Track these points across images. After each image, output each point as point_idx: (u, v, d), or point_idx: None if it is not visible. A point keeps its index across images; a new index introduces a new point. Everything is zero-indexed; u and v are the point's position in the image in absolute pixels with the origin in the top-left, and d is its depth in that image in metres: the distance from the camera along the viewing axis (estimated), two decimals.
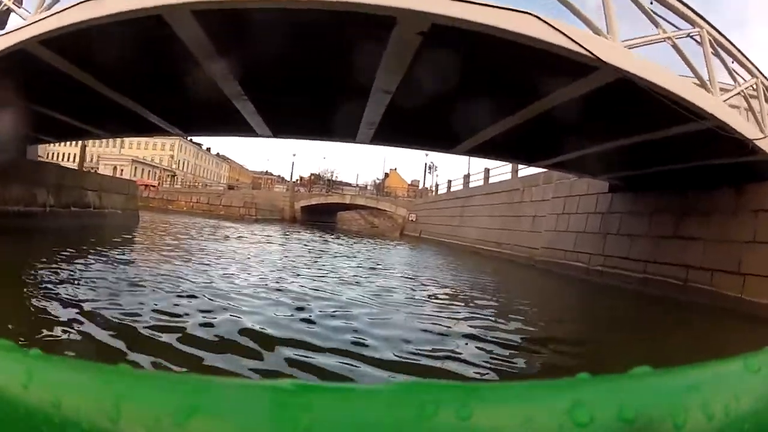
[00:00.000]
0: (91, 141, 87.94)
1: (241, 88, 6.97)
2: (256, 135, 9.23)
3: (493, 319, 5.79)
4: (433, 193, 33.69)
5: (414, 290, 7.79)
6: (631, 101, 5.89)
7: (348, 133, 8.57)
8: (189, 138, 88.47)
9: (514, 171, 18.65)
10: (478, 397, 0.31)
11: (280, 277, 7.65)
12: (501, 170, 20.31)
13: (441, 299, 7.11)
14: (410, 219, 33.86)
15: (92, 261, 7.27)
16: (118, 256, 8.21)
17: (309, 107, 8.03)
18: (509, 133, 8.16)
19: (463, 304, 6.98)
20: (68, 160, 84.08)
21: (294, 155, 65.89)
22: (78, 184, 14.76)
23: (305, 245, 16.30)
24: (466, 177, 25.03)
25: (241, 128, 9.13)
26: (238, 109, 8.03)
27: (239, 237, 16.82)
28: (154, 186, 50.28)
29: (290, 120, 8.66)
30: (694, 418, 0.33)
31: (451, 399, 0.31)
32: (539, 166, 10.71)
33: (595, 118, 7.10)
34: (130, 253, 9.36)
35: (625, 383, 0.34)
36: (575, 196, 13.84)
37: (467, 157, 33.41)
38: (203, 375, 0.35)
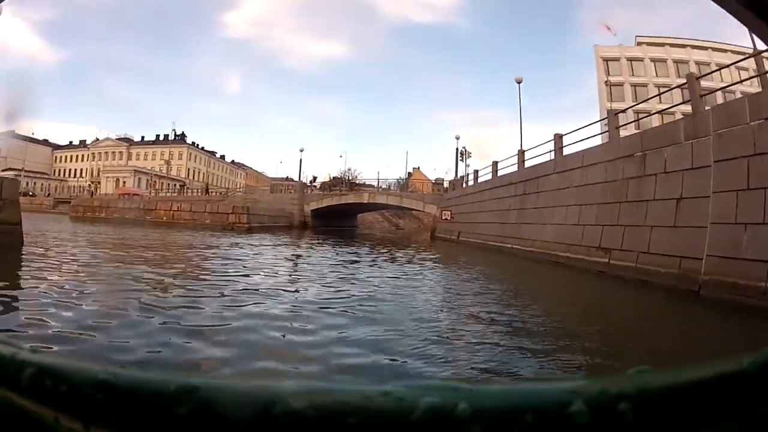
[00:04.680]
0: (95, 156, 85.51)
1: None
2: None
3: None
4: (471, 183, 26.36)
5: None
6: None
7: None
8: (201, 147, 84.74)
9: (614, 128, 11.51)
10: (477, 398, 0.30)
11: None
12: (581, 134, 13.15)
13: None
14: (443, 218, 26.94)
15: None
16: None
17: None
18: None
19: None
20: (75, 175, 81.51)
21: (301, 150, 58.14)
22: None
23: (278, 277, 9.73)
24: (521, 153, 17.86)
25: None
26: None
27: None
28: (137, 195, 44.92)
29: None
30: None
31: (451, 399, 0.30)
32: None
33: None
34: None
35: (624, 383, 0.32)
36: None
37: (509, 138, 25.93)
38: (202, 377, 0.33)
